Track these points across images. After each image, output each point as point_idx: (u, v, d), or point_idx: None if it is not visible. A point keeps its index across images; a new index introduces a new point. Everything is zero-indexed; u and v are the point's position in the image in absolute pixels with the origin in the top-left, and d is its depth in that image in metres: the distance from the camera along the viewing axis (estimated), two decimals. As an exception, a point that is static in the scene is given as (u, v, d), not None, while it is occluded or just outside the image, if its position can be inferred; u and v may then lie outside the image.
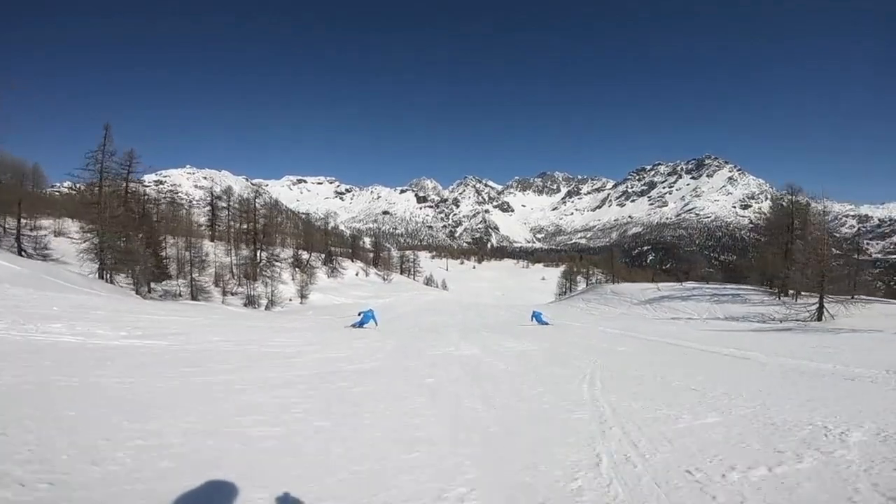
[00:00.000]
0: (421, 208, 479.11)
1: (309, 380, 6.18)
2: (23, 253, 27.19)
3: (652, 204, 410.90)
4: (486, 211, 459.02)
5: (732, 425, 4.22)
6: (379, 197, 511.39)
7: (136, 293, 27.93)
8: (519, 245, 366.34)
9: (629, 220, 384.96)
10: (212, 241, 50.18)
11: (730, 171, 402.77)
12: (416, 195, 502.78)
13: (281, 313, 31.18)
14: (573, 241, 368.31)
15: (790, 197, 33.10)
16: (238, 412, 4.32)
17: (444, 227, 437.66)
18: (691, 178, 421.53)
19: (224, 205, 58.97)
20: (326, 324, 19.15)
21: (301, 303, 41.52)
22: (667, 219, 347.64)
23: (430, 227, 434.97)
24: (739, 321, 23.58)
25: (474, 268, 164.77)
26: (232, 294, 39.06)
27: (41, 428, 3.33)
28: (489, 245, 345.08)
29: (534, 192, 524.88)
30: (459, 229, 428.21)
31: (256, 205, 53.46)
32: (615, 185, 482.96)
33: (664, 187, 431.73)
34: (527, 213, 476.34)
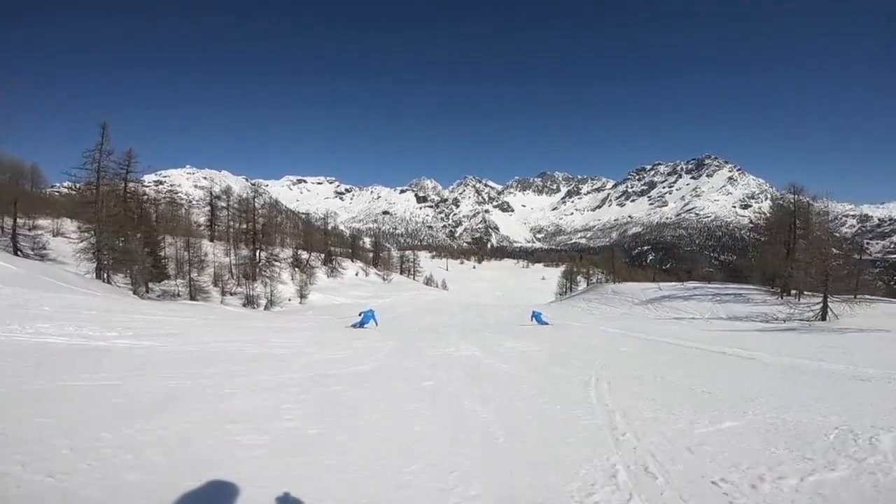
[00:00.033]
0: (421, 208, 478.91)
1: (302, 383, 5.92)
2: (19, 252, 26.94)
3: (652, 204, 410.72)
4: (486, 211, 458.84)
5: (752, 430, 3.98)
6: (379, 197, 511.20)
7: (134, 293, 27.68)
8: (519, 245, 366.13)
9: (629, 219, 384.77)
10: (211, 241, 49.96)
11: (730, 171, 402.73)
12: (416, 195, 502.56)
13: (280, 313, 30.92)
14: (573, 240, 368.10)
15: (793, 196, 32.86)
16: (225, 418, 4.08)
17: (444, 227, 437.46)
18: (691, 178, 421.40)
19: (223, 205, 58.74)
20: (325, 324, 18.92)
21: (300, 303, 41.27)
22: (667, 219, 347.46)
23: (430, 227, 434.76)
24: (742, 321, 23.37)
25: (474, 268, 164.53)
26: (231, 294, 38.81)
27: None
28: (489, 245, 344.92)
29: (534, 192, 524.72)
30: (459, 229, 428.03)
31: (256, 204, 53.23)
32: (615, 185, 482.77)
33: (664, 187, 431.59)
34: (527, 213, 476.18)
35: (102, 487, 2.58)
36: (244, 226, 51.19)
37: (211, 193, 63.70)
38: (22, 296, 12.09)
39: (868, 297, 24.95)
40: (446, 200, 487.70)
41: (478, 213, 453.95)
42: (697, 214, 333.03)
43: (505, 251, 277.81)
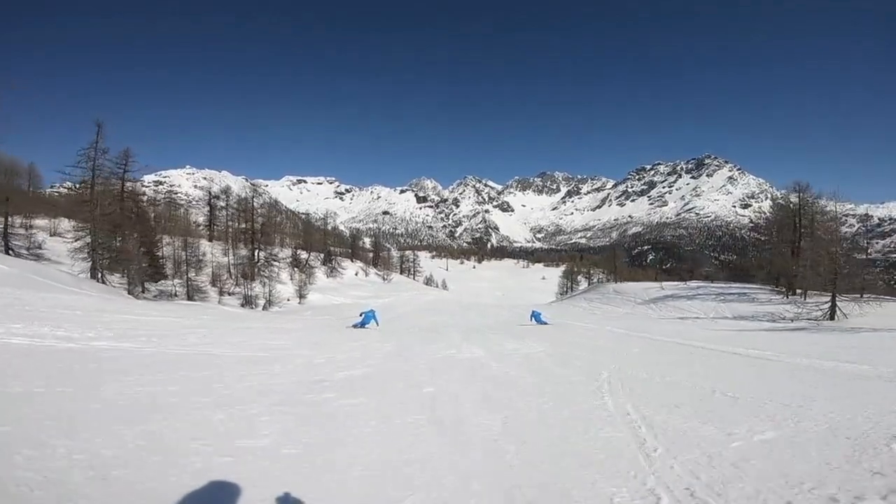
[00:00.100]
0: (421, 208, 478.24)
1: (286, 390, 5.35)
2: (10, 252, 26.48)
3: (652, 203, 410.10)
4: (486, 211, 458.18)
5: (798, 441, 3.51)
6: (379, 197, 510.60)
7: (129, 293, 27.23)
8: (519, 245, 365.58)
9: (629, 219, 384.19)
10: (210, 240, 49.53)
11: (730, 171, 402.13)
12: (416, 195, 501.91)
13: (278, 314, 30.49)
14: (573, 240, 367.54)
15: (798, 194, 32.43)
16: (179, 436, 3.41)
17: (444, 227, 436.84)
18: (691, 178, 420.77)
19: (222, 204, 58.37)
20: (324, 324, 18.52)
21: (299, 303, 40.83)
22: (667, 218, 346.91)
23: (430, 227, 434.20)
24: (749, 320, 22.96)
25: (474, 268, 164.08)
26: (229, 294, 38.39)
27: None
28: (489, 245, 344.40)
29: (534, 191, 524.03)
30: (459, 229, 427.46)
31: (255, 204, 52.84)
32: (615, 185, 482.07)
33: (664, 187, 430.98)
34: (527, 213, 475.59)
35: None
36: (243, 225, 50.84)
37: (210, 193, 63.29)
38: (7, 295, 11.66)
39: (879, 296, 24.54)
40: (446, 200, 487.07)
41: (478, 213, 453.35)
42: (697, 214, 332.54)
43: (505, 251, 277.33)
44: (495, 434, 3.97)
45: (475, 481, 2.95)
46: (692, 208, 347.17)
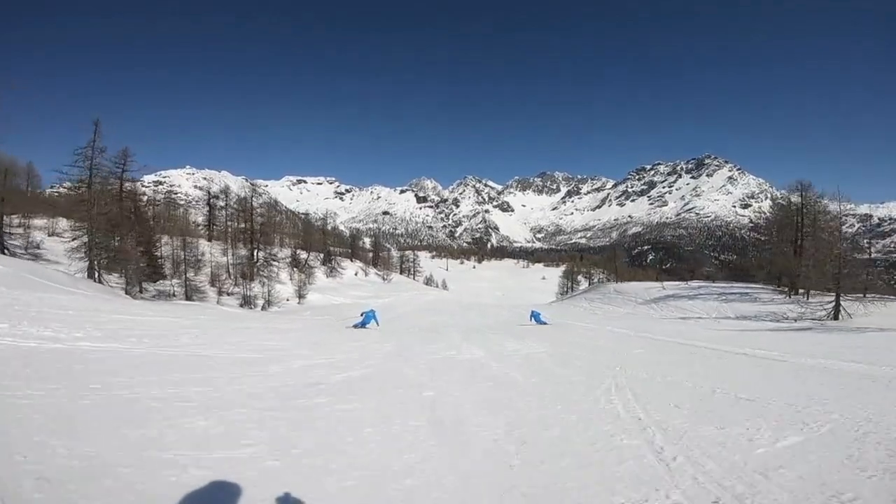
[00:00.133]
0: (421, 208, 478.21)
1: (279, 393, 5.08)
2: (6, 251, 26.27)
3: (652, 203, 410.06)
4: (486, 211, 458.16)
5: (828, 446, 3.29)
6: (379, 197, 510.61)
7: (126, 293, 27.02)
8: (519, 245, 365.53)
9: (629, 219, 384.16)
10: (209, 240, 49.31)
11: (730, 171, 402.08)
12: (416, 195, 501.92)
13: (277, 314, 30.27)
14: (573, 240, 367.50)
15: (800, 194, 32.22)
16: (152, 445, 3.18)
17: (444, 227, 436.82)
18: (691, 178, 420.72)
19: (222, 204, 58.17)
20: (323, 324, 18.31)
21: (299, 303, 40.63)
22: (667, 218, 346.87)
23: (430, 227, 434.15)
24: (752, 320, 22.76)
25: (474, 268, 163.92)
26: (228, 294, 38.19)
27: None
28: (489, 245, 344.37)
29: (534, 191, 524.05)
30: (459, 229, 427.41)
31: (254, 204, 52.66)
32: (615, 185, 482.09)
33: (664, 187, 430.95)
34: (527, 213, 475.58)
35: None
36: (242, 225, 50.66)
37: (209, 193, 63.04)
38: (5, 295, 11.43)
39: (885, 295, 24.35)
40: (446, 200, 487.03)
41: (478, 213, 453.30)
42: (697, 214, 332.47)
43: (505, 251, 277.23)
44: (496, 435, 3.86)
45: (475, 481, 2.90)
46: (692, 208, 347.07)
